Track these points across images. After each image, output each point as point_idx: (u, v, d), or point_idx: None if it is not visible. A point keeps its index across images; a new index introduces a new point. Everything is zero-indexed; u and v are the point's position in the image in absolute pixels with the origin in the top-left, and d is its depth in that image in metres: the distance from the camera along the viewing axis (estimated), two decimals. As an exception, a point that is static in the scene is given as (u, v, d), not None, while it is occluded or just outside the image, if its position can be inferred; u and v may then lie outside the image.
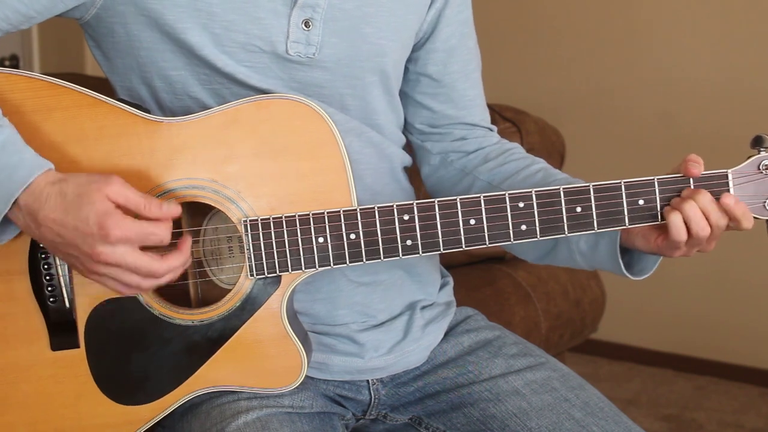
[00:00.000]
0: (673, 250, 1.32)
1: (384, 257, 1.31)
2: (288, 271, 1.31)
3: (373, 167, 1.44)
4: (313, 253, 1.30)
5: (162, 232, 1.23)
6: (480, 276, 2.34)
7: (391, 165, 1.47)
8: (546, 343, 2.34)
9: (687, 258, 1.36)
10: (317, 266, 1.30)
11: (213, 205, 1.31)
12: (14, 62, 3.96)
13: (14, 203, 1.22)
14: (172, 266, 1.25)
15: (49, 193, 1.22)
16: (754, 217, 1.31)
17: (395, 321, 1.47)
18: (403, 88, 1.51)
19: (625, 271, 1.38)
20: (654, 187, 1.30)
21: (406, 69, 1.51)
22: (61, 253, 1.25)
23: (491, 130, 1.57)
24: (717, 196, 1.30)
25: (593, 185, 1.30)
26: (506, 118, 2.33)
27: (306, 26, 1.36)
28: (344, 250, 1.30)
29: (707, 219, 1.29)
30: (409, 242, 1.31)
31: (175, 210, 1.24)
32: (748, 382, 3.50)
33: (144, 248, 1.23)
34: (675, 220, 1.29)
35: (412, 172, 1.54)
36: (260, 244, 1.30)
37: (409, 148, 1.54)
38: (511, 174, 1.48)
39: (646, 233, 1.34)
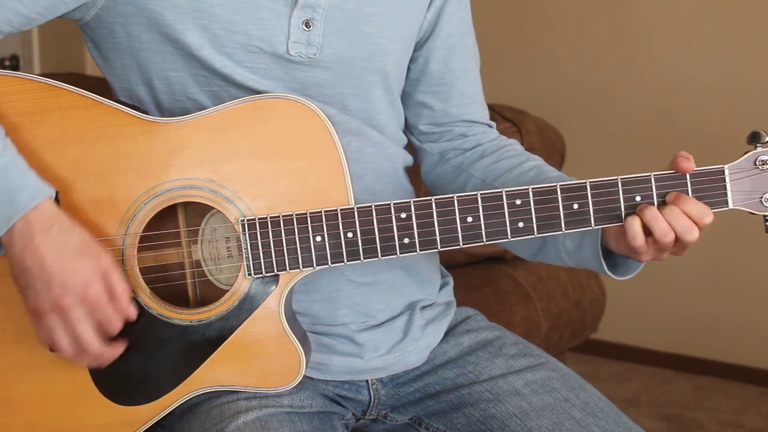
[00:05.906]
0: (639, 255, 1.31)
1: (381, 255, 1.30)
2: (286, 270, 1.31)
3: (374, 167, 1.44)
4: (311, 252, 1.30)
5: (118, 325, 1.27)
6: (480, 276, 2.34)
7: (393, 165, 1.47)
8: (546, 343, 2.34)
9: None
10: (315, 265, 1.30)
11: (211, 205, 1.31)
12: (14, 62, 3.95)
13: (12, 226, 1.23)
14: (102, 353, 1.28)
15: (52, 226, 1.23)
16: (751, 213, 1.31)
17: (395, 321, 1.47)
18: (404, 87, 1.51)
19: (607, 271, 1.37)
20: (650, 183, 1.30)
21: (408, 69, 1.51)
22: (22, 282, 1.25)
23: (490, 126, 1.57)
24: (714, 205, 1.30)
25: (590, 182, 1.30)
26: (506, 118, 2.33)
27: (306, 26, 1.35)
28: (342, 248, 1.30)
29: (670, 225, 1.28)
30: (406, 240, 1.30)
31: (133, 314, 1.28)
32: (748, 382, 3.49)
33: None
34: (633, 224, 1.28)
35: (412, 172, 1.54)
36: (258, 243, 1.30)
37: (409, 147, 1.54)
38: (504, 171, 1.48)
39: (618, 236, 1.33)
